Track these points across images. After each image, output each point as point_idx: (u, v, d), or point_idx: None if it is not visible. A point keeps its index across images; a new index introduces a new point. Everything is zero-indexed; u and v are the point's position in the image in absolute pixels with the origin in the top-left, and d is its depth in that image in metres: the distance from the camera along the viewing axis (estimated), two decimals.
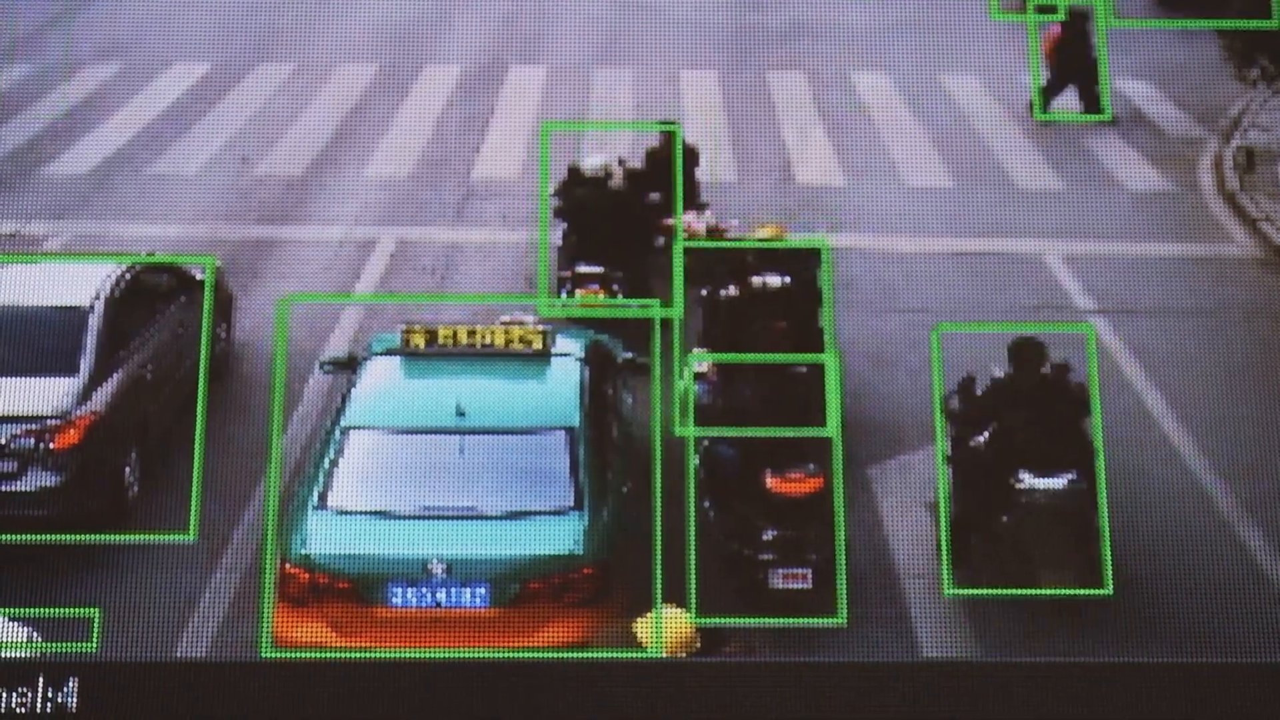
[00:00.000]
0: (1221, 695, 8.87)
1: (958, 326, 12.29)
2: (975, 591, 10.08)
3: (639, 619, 8.79)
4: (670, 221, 14.51)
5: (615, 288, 13.71)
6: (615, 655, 8.78)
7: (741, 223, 14.20)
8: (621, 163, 14.88)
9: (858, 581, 10.68)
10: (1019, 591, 10.12)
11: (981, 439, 10.40)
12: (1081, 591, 10.30)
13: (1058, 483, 10.26)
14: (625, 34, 20.91)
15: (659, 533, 10.13)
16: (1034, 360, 10.55)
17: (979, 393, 10.54)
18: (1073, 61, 17.96)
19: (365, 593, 9.74)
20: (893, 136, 17.89)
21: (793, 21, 21.54)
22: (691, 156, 15.10)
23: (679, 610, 8.90)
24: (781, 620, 10.29)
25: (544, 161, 13.04)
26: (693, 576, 10.04)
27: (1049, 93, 18.21)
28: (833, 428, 10.86)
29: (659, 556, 10.01)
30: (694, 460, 11.31)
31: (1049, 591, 10.06)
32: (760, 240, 12.96)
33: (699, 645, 8.73)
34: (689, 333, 12.45)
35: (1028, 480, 10.26)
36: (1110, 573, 9.88)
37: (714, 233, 14.53)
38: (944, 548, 9.90)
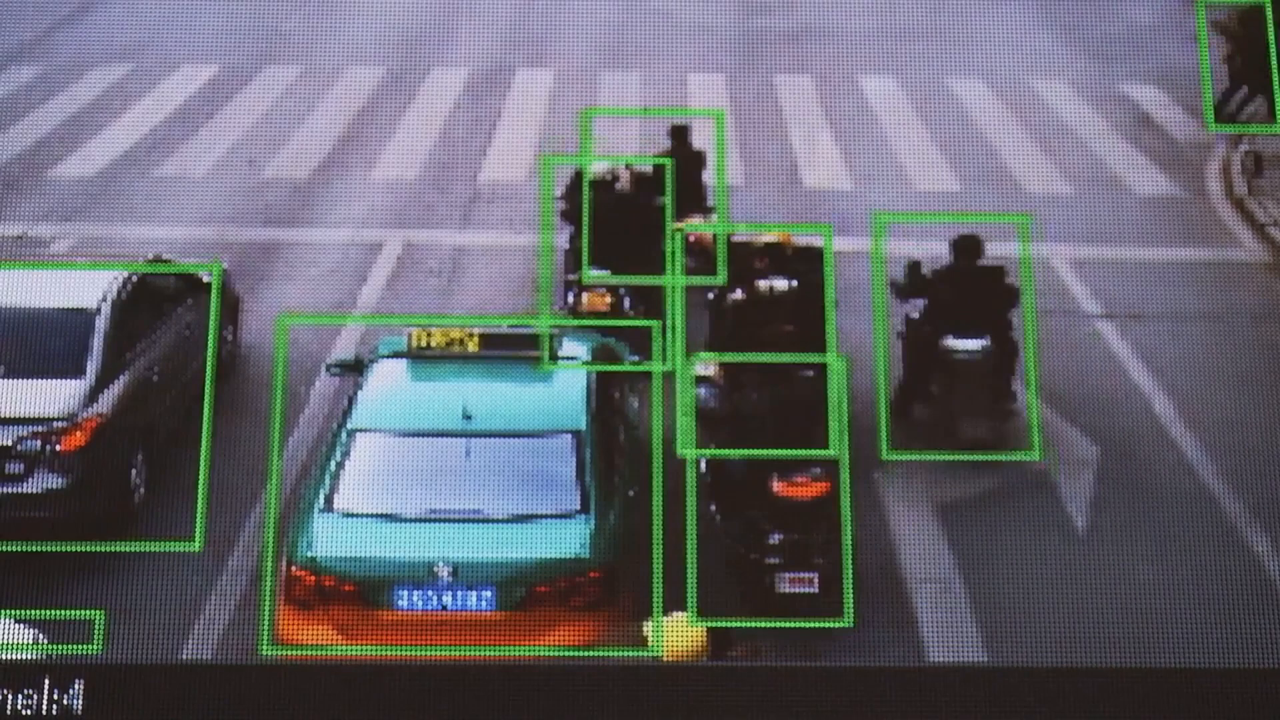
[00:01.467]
0: (1227, 701, 8.85)
1: (898, 217, 14.29)
2: (909, 455, 11.38)
3: (648, 621, 8.78)
4: (678, 224, 14.49)
5: (622, 292, 13.69)
6: (621, 658, 8.78)
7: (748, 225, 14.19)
8: (629, 166, 14.86)
9: (864, 584, 10.67)
10: (948, 456, 11.69)
11: (917, 313, 12.41)
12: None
13: (974, 345, 12.10)
14: (632, 37, 20.92)
15: (659, 537, 10.12)
16: (971, 251, 12.34)
17: (924, 274, 12.39)
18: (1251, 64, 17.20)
19: (371, 595, 9.73)
20: (900, 140, 17.87)
21: (800, 25, 21.54)
22: (698, 161, 15.07)
23: (691, 618, 8.88)
24: (787, 623, 10.27)
25: (588, 148, 13.08)
26: (692, 580, 10.03)
27: (1228, 99, 17.81)
28: (836, 437, 10.87)
29: (659, 561, 10.00)
30: (699, 463, 11.29)
31: (978, 456, 11.72)
32: (765, 243, 12.93)
33: (709, 654, 8.72)
34: (694, 337, 12.44)
35: (952, 343, 12.14)
36: (1039, 437, 11.39)
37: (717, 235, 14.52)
38: (883, 414, 11.05)
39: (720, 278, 12.51)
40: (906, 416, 12.45)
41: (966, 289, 12.25)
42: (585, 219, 13.52)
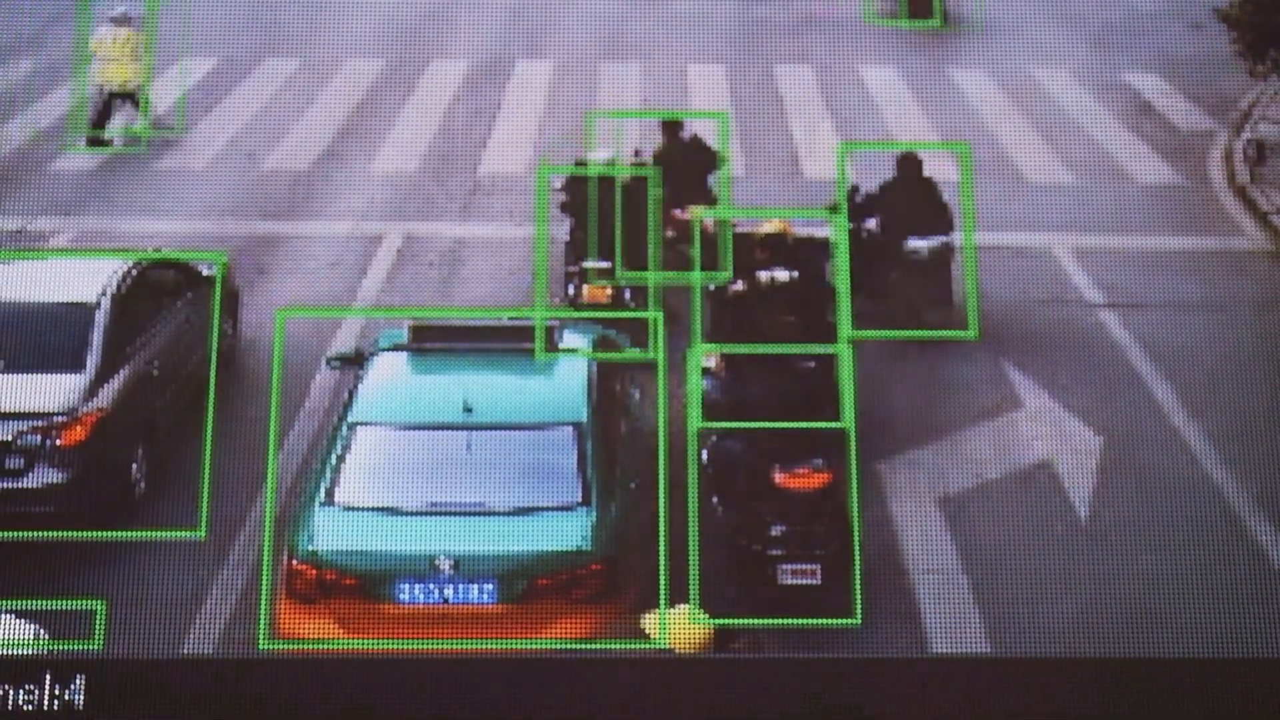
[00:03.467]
0: (1232, 690, 8.82)
1: (864, 145, 16.57)
2: (869, 334, 12.78)
3: (647, 614, 8.74)
4: (679, 213, 14.47)
5: (623, 282, 13.66)
6: (623, 650, 8.75)
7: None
8: (637, 154, 14.82)
9: (867, 577, 10.65)
10: (901, 333, 13.51)
11: (873, 223, 14.12)
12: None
13: (934, 243, 14.01)
14: (632, 28, 20.88)
15: (664, 528, 10.10)
16: (915, 165, 14.21)
17: (867, 191, 14.23)
18: None
19: (372, 589, 9.71)
20: (901, 131, 17.84)
21: (800, 15, 21.50)
22: (710, 158, 14.99)
23: (694, 610, 8.83)
24: (795, 621, 10.25)
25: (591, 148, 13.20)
26: (695, 571, 10.01)
27: None
28: (848, 420, 10.88)
29: (664, 553, 9.98)
30: (700, 455, 11.28)
31: (926, 333, 13.60)
32: (766, 233, 12.90)
33: (713, 646, 8.69)
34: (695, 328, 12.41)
35: (914, 244, 14.00)
36: (977, 317, 13.00)
37: (721, 226, 14.49)
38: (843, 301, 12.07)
39: (725, 274, 12.50)
40: (863, 310, 13.38)
41: (916, 198, 14.08)
42: (604, 207, 13.55)
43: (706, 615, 8.84)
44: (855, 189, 14.28)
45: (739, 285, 12.39)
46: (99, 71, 17.32)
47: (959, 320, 13.32)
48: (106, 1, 18.84)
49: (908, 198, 14.08)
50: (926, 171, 14.32)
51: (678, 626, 8.59)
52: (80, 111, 17.68)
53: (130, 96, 17.65)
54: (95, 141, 17.24)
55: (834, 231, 13.13)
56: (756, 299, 12.24)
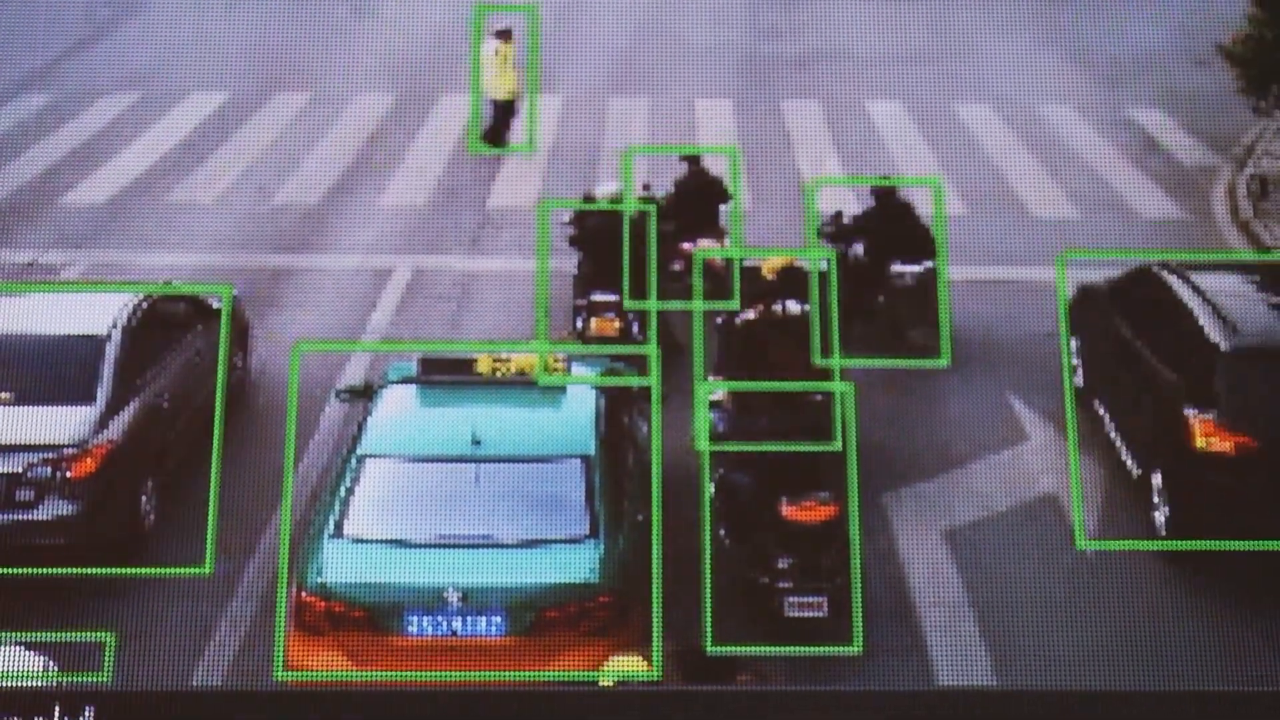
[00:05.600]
0: None
1: (830, 180, 17.25)
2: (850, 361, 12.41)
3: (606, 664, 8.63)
4: (687, 247, 14.53)
5: (630, 316, 13.72)
6: (631, 683, 8.77)
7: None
8: (647, 188, 14.90)
9: (873, 609, 10.67)
10: (875, 361, 13.24)
11: (859, 248, 14.60)
12: None
13: (917, 268, 14.35)
14: (641, 62, 21.00)
15: (658, 561, 10.12)
16: (890, 194, 14.67)
17: (848, 220, 14.73)
18: None
19: (381, 621, 9.73)
20: (907, 165, 17.92)
21: (808, 50, 21.62)
22: (720, 192, 15.08)
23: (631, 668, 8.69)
24: (797, 649, 10.28)
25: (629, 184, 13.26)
26: (708, 603, 10.04)
27: None
28: (850, 449, 10.91)
29: (658, 586, 9.99)
30: (710, 487, 11.32)
31: (899, 361, 13.59)
32: (778, 266, 12.93)
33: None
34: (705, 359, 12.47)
35: (899, 268, 14.37)
36: (949, 345, 12.87)
37: (730, 262, 14.56)
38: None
39: (730, 303, 12.55)
40: (850, 333, 13.48)
41: (897, 223, 14.47)
42: (612, 241, 13.62)
43: (645, 667, 8.71)
44: (839, 214, 14.85)
45: (750, 315, 12.43)
46: (486, 83, 18.46)
47: (939, 342, 13.48)
48: (116, 37, 18.98)
49: (891, 224, 14.52)
50: (922, 204, 14.57)
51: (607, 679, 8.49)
52: (475, 120, 18.56)
53: (510, 105, 18.74)
54: (493, 143, 18.43)
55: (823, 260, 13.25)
56: (767, 329, 12.28)
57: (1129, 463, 12.16)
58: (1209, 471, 10.83)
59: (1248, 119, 19.07)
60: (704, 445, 11.28)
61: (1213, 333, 11.46)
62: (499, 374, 11.23)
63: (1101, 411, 12.91)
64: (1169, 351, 11.83)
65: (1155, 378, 11.89)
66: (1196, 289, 12.02)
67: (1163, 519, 11.38)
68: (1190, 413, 11.07)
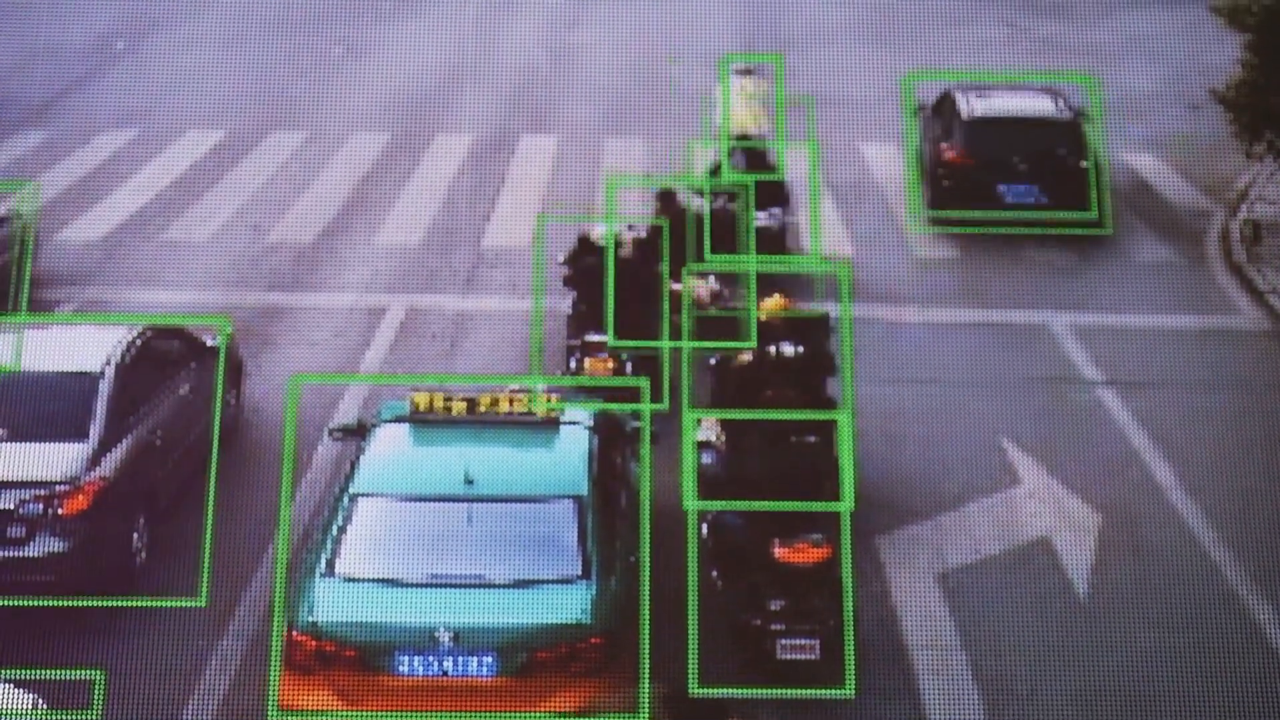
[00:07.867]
0: None
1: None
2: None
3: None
4: (679, 287, 14.55)
5: (624, 357, 13.72)
6: None
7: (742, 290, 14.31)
8: (632, 228, 14.92)
9: (865, 652, 10.65)
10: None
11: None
12: None
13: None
14: (635, 104, 21.07)
15: (647, 601, 10.10)
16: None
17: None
18: None
19: (372, 661, 9.71)
20: (900, 207, 17.97)
21: (800, 93, 21.67)
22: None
23: None
24: (789, 691, 10.25)
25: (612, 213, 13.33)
26: (693, 646, 10.02)
27: None
28: (846, 497, 10.92)
29: (646, 627, 9.98)
30: (700, 528, 11.31)
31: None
32: (774, 309, 12.96)
33: None
34: (696, 399, 12.48)
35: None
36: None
37: (716, 297, 14.62)
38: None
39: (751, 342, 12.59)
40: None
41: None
42: (607, 281, 13.60)
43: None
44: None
45: (746, 356, 12.45)
46: (733, 119, 18.62)
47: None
48: (112, 76, 19.02)
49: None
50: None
51: None
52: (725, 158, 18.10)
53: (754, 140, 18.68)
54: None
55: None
56: (763, 371, 12.29)
57: None
58: None
59: (1241, 164, 19.14)
60: (691, 504, 11.27)
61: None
62: (512, 406, 11.21)
63: None
64: None
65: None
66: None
67: None
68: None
